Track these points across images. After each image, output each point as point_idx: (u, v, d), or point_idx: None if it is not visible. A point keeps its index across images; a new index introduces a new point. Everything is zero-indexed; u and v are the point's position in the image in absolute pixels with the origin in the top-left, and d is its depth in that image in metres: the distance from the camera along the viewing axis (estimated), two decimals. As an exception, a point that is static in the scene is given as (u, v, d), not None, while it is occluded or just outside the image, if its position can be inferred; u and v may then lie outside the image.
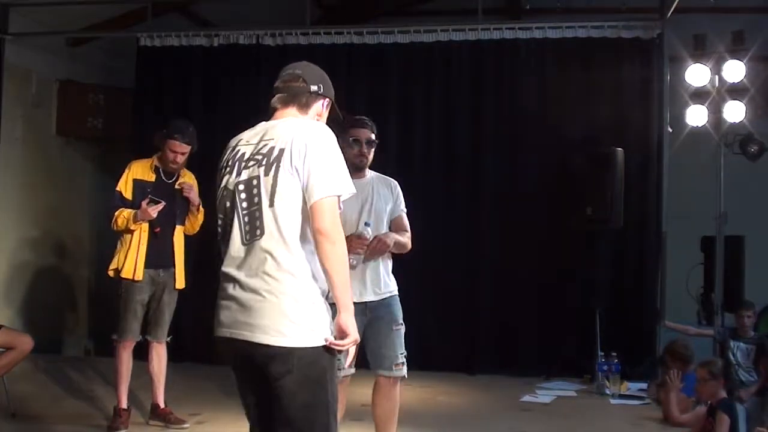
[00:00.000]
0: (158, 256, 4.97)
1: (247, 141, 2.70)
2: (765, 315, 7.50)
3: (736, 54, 6.47)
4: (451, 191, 7.27)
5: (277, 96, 2.76)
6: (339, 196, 2.58)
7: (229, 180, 2.66)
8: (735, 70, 6.41)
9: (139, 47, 7.64)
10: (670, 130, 6.98)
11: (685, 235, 7.09)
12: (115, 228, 4.94)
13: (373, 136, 4.10)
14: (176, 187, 5.02)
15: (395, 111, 7.31)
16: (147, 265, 4.93)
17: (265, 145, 2.62)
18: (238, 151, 2.69)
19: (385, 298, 4.04)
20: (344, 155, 3.85)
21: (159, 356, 5.05)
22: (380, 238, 3.95)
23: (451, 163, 7.27)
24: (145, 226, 4.91)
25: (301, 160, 2.54)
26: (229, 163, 2.69)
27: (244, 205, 2.60)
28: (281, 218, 2.55)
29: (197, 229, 5.17)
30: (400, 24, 7.68)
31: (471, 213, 7.22)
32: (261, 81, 7.54)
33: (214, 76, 7.60)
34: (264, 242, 2.55)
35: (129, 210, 4.88)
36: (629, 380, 6.39)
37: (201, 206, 5.09)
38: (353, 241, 3.80)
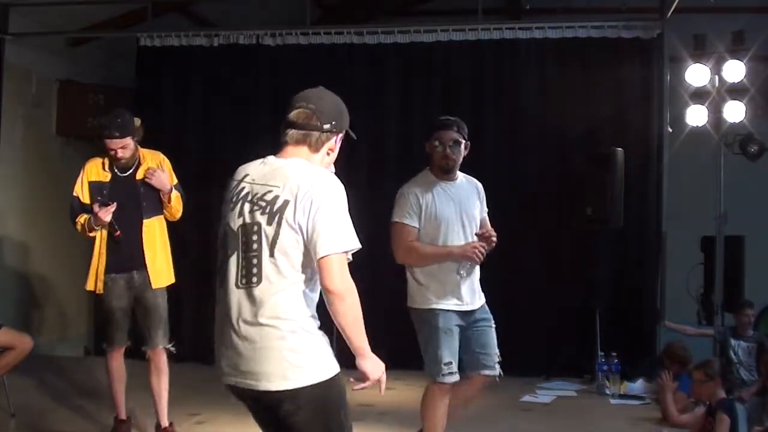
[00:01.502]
0: (124, 259, 4.58)
1: (252, 180, 2.62)
2: (765, 315, 7.50)
3: (736, 54, 6.48)
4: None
5: (290, 133, 2.66)
6: (347, 252, 2.55)
7: (232, 218, 2.61)
8: (735, 70, 6.41)
9: (139, 47, 7.64)
10: (670, 130, 6.98)
11: (685, 235, 7.10)
12: (84, 236, 4.64)
13: (458, 137, 4.06)
14: (138, 178, 4.61)
15: (395, 111, 7.31)
16: (112, 271, 4.58)
17: (270, 191, 2.55)
18: (243, 188, 2.63)
19: (483, 304, 4.15)
20: (430, 155, 4.03)
21: (157, 368, 4.67)
22: (492, 231, 4.05)
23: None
24: (104, 231, 4.55)
25: (305, 216, 2.49)
26: (233, 199, 2.64)
27: (243, 248, 2.57)
28: (281, 268, 2.52)
29: (177, 215, 4.74)
30: (400, 24, 7.69)
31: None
32: (261, 81, 7.56)
33: (214, 76, 7.60)
34: (261, 289, 2.52)
35: (85, 216, 4.55)
36: (629, 380, 6.40)
37: (176, 189, 4.68)
38: (476, 248, 3.93)
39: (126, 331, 4.67)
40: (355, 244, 2.55)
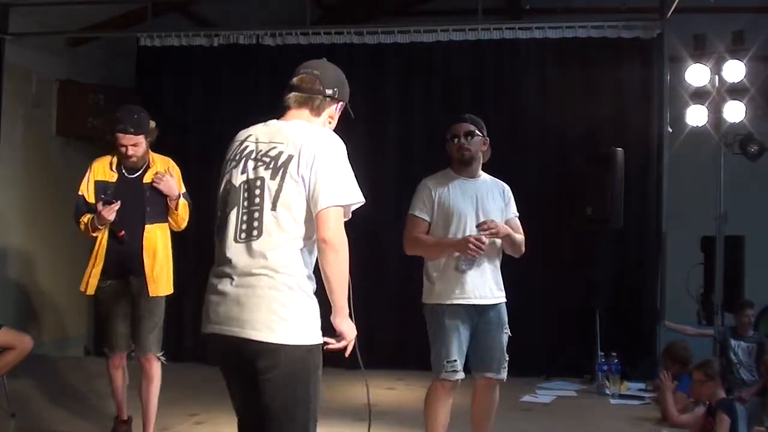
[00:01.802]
0: (123, 263, 4.40)
1: (256, 138, 2.69)
2: (765, 315, 7.50)
3: (736, 54, 6.48)
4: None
5: (292, 95, 2.75)
6: (346, 206, 2.60)
7: (234, 175, 2.66)
8: (735, 70, 6.41)
9: (139, 47, 7.65)
10: (670, 130, 6.98)
11: (685, 235, 7.10)
12: (86, 236, 4.48)
13: (472, 128, 4.10)
14: (145, 181, 4.46)
15: (395, 111, 7.32)
16: (109, 276, 4.40)
17: (274, 147, 2.63)
18: (247, 147, 2.69)
19: (496, 304, 4.08)
20: (449, 153, 4.05)
21: (147, 375, 4.46)
22: (497, 223, 3.98)
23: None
24: (106, 232, 4.40)
25: (308, 169, 2.56)
26: (236, 158, 2.69)
27: (245, 204, 2.61)
28: (282, 222, 2.56)
29: (182, 224, 4.59)
30: (400, 24, 7.69)
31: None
32: (261, 81, 7.56)
33: (214, 76, 7.60)
34: (261, 242, 2.56)
35: (89, 215, 4.40)
36: (629, 380, 6.40)
37: (184, 198, 4.55)
38: (469, 242, 3.84)
39: (126, 336, 4.49)
40: (355, 198, 2.61)
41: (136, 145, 4.36)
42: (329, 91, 2.76)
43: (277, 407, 2.55)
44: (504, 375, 4.09)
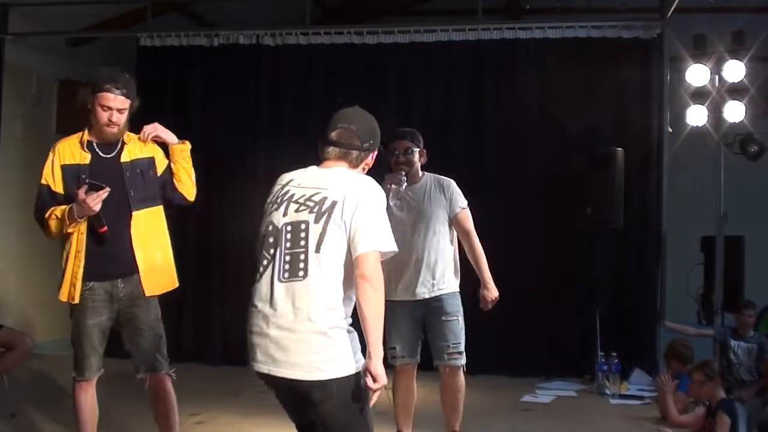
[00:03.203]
0: (109, 262, 3.67)
1: (298, 183, 2.82)
2: (765, 315, 7.49)
3: (736, 54, 6.47)
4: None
5: (331, 149, 2.88)
6: (382, 253, 2.74)
7: (276, 217, 2.78)
8: (735, 70, 6.40)
9: (139, 47, 7.65)
10: (670, 130, 6.98)
11: (685, 235, 7.09)
12: (49, 236, 3.74)
13: (410, 145, 4.44)
14: (123, 160, 3.71)
15: (395, 111, 7.30)
16: (91, 278, 3.68)
17: (318, 193, 2.76)
18: (288, 191, 2.81)
19: (440, 295, 4.36)
20: (389, 164, 4.31)
21: (162, 400, 3.77)
22: (487, 297, 4.43)
23: (451, 163, 7.26)
24: (83, 227, 3.64)
25: (350, 216, 2.70)
26: (278, 201, 2.81)
27: (288, 245, 2.72)
28: (325, 264, 2.68)
29: (193, 190, 3.93)
30: (400, 24, 7.69)
31: (471, 213, 7.22)
32: (261, 81, 7.56)
33: (214, 76, 7.60)
34: (307, 283, 2.67)
35: (63, 207, 3.61)
36: (629, 380, 6.40)
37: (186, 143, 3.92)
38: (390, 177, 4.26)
39: (101, 356, 3.74)
40: (391, 246, 2.75)
41: (122, 111, 3.65)
42: (366, 145, 2.91)
43: (337, 430, 2.73)
44: (456, 362, 4.33)
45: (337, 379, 2.66)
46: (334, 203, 2.71)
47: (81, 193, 3.50)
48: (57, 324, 7.84)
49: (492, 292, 4.41)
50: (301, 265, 2.68)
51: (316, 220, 2.70)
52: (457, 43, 7.33)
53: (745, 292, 6.88)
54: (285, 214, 2.76)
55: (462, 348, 4.35)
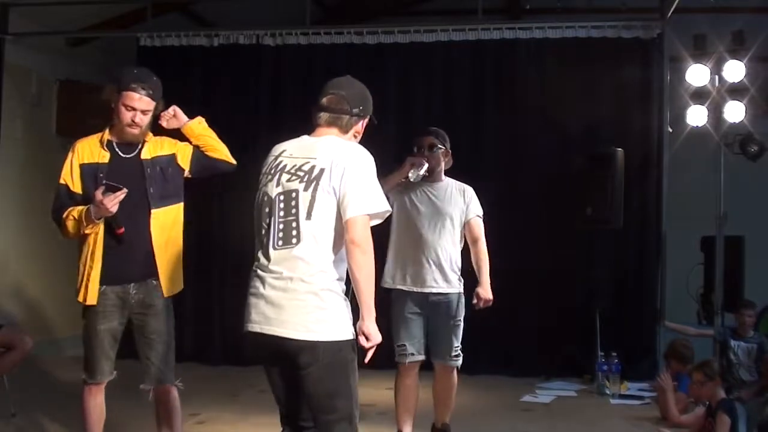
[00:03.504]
0: (125, 264, 3.58)
1: (290, 154, 2.92)
2: (765, 315, 7.49)
3: (736, 54, 6.47)
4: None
5: (322, 115, 2.98)
6: (373, 214, 2.81)
7: (270, 187, 2.88)
8: (735, 70, 6.40)
9: (139, 47, 7.65)
10: (670, 130, 6.98)
11: (685, 235, 7.10)
12: (67, 236, 3.65)
13: (435, 141, 4.54)
14: (144, 157, 3.65)
15: (395, 111, 7.30)
16: (104, 282, 3.56)
17: (307, 162, 2.85)
18: (281, 161, 2.91)
19: (448, 293, 4.42)
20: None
21: (168, 410, 3.72)
22: (481, 295, 4.41)
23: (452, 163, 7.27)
24: (100, 228, 3.56)
25: (338, 181, 2.78)
26: (272, 171, 2.91)
27: (281, 214, 2.83)
28: (316, 230, 2.78)
29: (226, 149, 3.92)
30: (400, 24, 7.69)
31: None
32: (261, 80, 7.56)
33: (214, 76, 7.60)
34: (300, 249, 2.77)
35: (80, 208, 3.53)
36: (629, 380, 6.40)
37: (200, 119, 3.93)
38: (407, 162, 4.39)
39: (112, 360, 3.65)
40: (381, 207, 2.83)
41: (146, 112, 3.61)
42: (355, 110, 2.99)
43: (319, 397, 2.78)
44: (455, 363, 4.45)
45: (325, 342, 2.73)
46: (322, 170, 2.81)
47: (98, 194, 3.43)
48: (57, 324, 7.86)
49: (488, 292, 4.43)
50: (294, 232, 2.79)
51: (305, 188, 2.80)
52: (457, 43, 7.33)
53: (745, 292, 6.88)
54: (278, 185, 2.86)
55: (460, 349, 4.47)
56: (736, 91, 6.54)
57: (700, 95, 6.68)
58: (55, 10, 7.44)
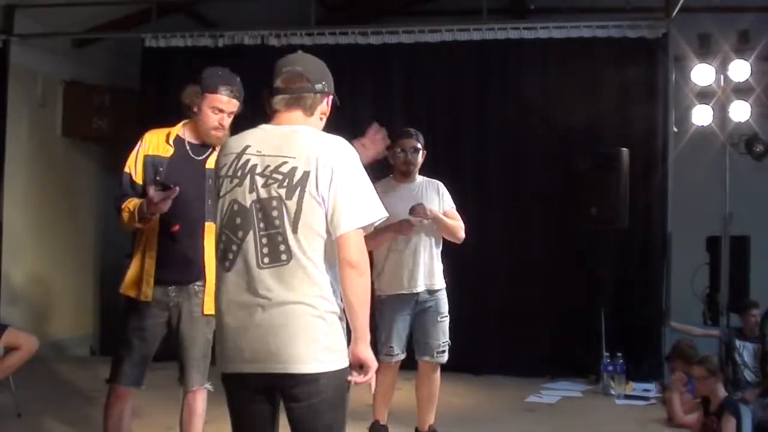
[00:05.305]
0: (174, 267, 3.45)
1: (258, 150, 2.46)
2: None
3: (741, 53, 6.46)
4: (456, 191, 7.24)
5: (280, 98, 2.54)
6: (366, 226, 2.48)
7: (240, 193, 2.44)
8: (740, 70, 6.39)
9: (144, 48, 7.66)
10: (676, 130, 6.97)
11: (691, 236, 7.07)
12: (122, 226, 3.53)
13: (418, 145, 4.61)
14: (209, 166, 3.44)
15: (399, 111, 7.32)
16: (159, 281, 3.46)
17: (285, 163, 2.42)
18: (249, 161, 2.46)
19: (434, 291, 4.52)
20: (393, 162, 4.48)
21: (189, 409, 3.71)
22: (425, 207, 4.42)
23: (456, 163, 7.27)
24: (157, 223, 3.42)
25: (327, 188, 2.39)
26: (238, 174, 2.46)
27: (261, 226, 2.41)
28: (307, 245, 2.40)
29: None
30: (404, 24, 7.69)
31: (476, 213, 7.21)
32: (265, 81, 7.55)
33: (218, 77, 7.60)
34: (293, 267, 2.39)
35: (136, 201, 3.41)
36: (634, 380, 6.39)
37: None
38: (402, 223, 4.33)
39: (144, 368, 3.58)
40: (376, 216, 2.47)
41: (231, 114, 3.47)
42: (318, 86, 2.55)
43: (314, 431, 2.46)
44: (441, 359, 4.54)
45: (331, 372, 2.41)
46: (306, 174, 2.39)
47: (150, 190, 3.30)
48: (63, 324, 7.88)
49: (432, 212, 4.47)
50: (282, 247, 2.38)
51: (288, 196, 2.38)
52: (462, 43, 7.33)
53: (750, 293, 6.86)
54: (251, 190, 2.42)
55: (447, 346, 4.55)
56: (741, 91, 6.52)
57: (705, 95, 6.66)
58: (61, 12, 7.46)
